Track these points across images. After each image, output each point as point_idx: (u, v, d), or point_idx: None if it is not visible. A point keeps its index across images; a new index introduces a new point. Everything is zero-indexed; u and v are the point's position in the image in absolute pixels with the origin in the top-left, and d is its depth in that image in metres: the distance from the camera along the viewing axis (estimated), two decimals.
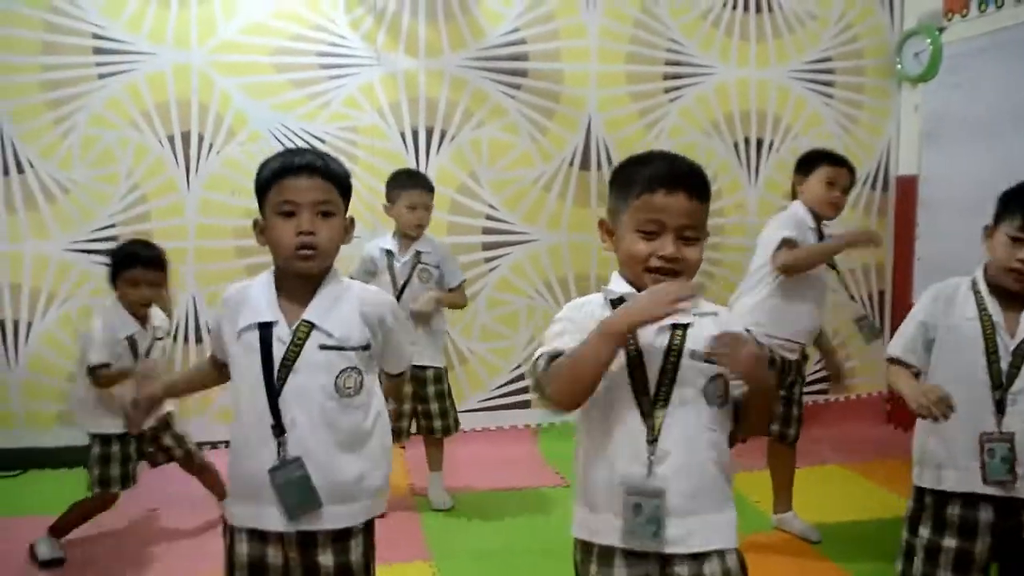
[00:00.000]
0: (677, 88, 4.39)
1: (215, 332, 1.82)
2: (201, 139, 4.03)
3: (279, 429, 1.64)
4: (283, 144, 4.05)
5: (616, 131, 4.33)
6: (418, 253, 3.39)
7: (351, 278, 1.82)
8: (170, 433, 3.06)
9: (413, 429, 3.48)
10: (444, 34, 4.17)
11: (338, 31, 4.09)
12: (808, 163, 3.05)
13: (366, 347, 1.71)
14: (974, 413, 1.95)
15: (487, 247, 4.26)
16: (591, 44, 4.30)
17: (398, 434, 3.20)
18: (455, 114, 4.19)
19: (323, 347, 1.66)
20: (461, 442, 3.78)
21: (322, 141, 4.07)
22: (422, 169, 4.11)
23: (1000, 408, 1.95)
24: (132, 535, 3.21)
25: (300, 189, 1.65)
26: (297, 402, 1.65)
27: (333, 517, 1.67)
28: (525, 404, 4.33)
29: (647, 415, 1.46)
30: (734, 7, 4.43)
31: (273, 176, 1.67)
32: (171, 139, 4.02)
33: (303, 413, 1.65)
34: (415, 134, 4.18)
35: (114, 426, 2.85)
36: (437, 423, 3.43)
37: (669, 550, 1.45)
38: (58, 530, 2.95)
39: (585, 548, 1.54)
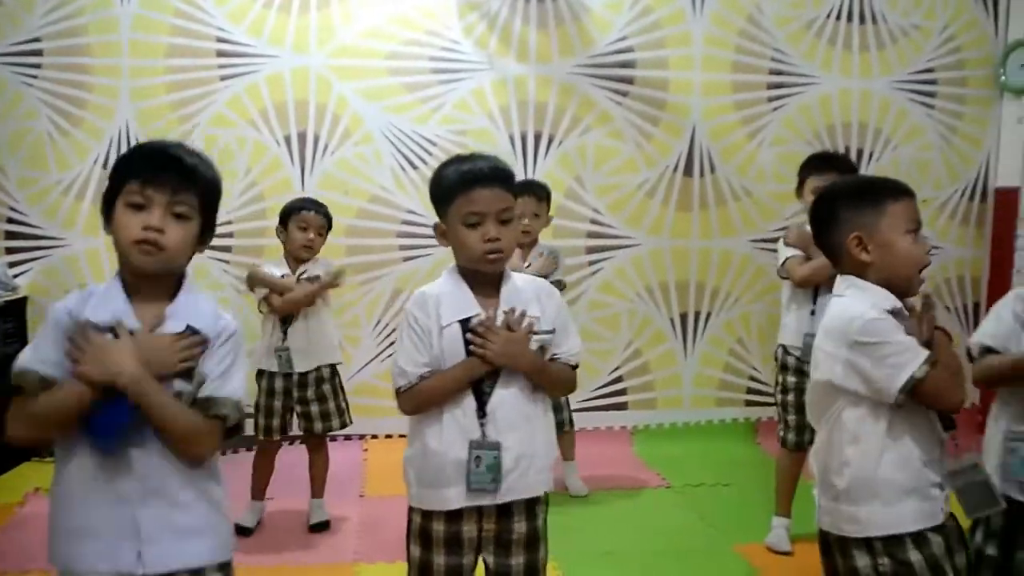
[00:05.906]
0: (781, 98, 4.42)
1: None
2: (317, 140, 4.15)
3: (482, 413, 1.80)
4: (395, 146, 4.16)
5: (720, 139, 4.38)
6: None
7: None
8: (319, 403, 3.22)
9: None
10: (554, 41, 4.25)
11: (451, 36, 4.18)
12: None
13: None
14: None
15: (590, 250, 4.33)
16: (696, 52, 4.35)
17: None
18: (563, 119, 4.26)
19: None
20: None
21: (433, 144, 4.16)
22: (530, 173, 4.18)
23: None
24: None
25: (486, 199, 1.77)
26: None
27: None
28: (622, 406, 4.40)
29: None
30: (838, 18, 4.44)
31: (458, 186, 1.78)
32: (287, 139, 4.14)
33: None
34: (523, 138, 4.26)
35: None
36: None
37: None
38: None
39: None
